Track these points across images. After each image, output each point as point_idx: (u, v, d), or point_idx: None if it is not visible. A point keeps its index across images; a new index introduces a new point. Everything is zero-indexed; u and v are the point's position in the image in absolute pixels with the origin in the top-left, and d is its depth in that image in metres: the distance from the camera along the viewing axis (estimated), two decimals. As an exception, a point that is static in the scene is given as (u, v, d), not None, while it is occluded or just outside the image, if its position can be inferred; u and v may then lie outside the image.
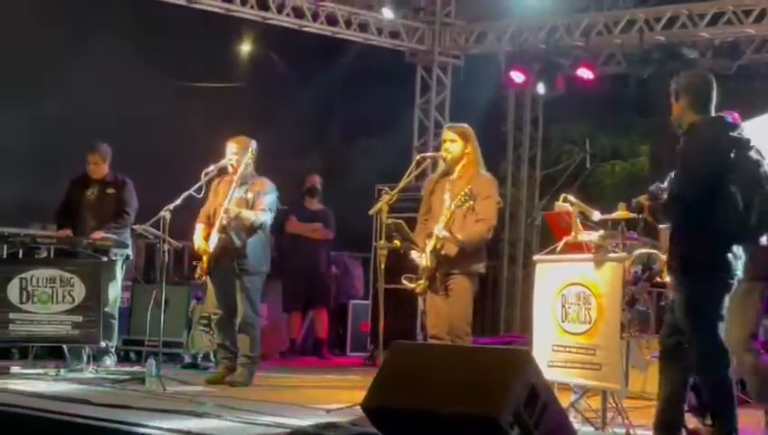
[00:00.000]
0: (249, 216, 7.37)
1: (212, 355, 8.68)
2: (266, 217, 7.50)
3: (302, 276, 10.43)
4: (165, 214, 7.31)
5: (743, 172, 4.87)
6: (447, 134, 6.60)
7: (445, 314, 6.45)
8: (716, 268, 4.94)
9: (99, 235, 8.22)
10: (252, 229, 7.42)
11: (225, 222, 7.32)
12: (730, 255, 4.93)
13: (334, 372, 9.39)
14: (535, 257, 6.61)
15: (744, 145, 4.95)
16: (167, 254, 7.63)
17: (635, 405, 6.22)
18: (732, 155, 4.91)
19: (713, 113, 5.11)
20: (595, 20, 11.30)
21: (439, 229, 6.31)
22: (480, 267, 6.51)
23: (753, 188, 4.86)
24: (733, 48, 10.48)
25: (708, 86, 5.13)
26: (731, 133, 4.97)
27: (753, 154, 4.95)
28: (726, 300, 5.00)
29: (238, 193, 7.45)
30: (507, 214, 12.59)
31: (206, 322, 8.71)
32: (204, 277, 7.54)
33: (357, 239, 10.71)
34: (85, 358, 8.00)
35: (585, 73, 11.09)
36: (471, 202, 6.27)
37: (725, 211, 4.86)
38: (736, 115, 5.23)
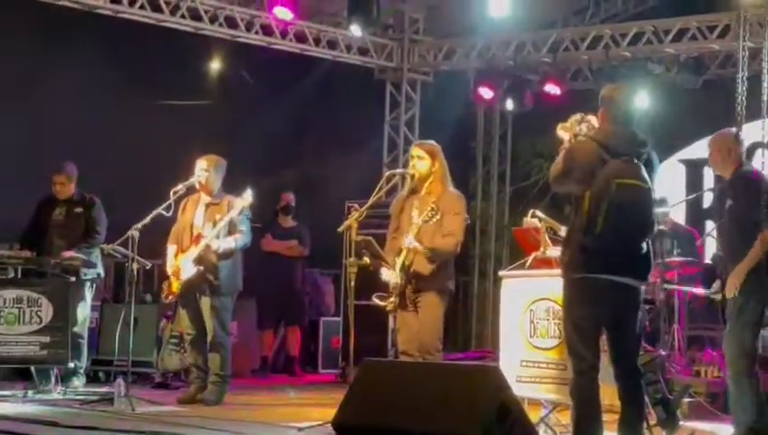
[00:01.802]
0: (229, 245, 7.39)
1: (182, 374, 8.63)
2: (246, 240, 7.53)
3: (278, 294, 10.41)
4: (134, 233, 7.28)
5: (595, 184, 4.94)
6: (415, 151, 6.62)
7: (415, 331, 6.46)
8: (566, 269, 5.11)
9: (68, 254, 8.18)
10: (231, 255, 7.42)
11: (203, 253, 7.31)
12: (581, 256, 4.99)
13: (306, 389, 9.37)
14: (501, 273, 6.64)
15: (617, 165, 4.98)
16: (136, 273, 7.59)
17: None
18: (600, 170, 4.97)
19: (630, 126, 5.16)
20: (562, 36, 11.40)
21: (409, 241, 6.32)
22: (449, 284, 6.53)
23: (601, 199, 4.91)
24: (697, 63, 10.61)
25: (625, 100, 5.22)
26: (604, 150, 5.02)
27: (630, 179, 4.97)
28: None
29: (208, 215, 7.43)
30: (477, 229, 12.64)
31: (176, 341, 8.67)
32: (171, 298, 7.51)
33: (328, 256, 10.69)
34: (53, 379, 7.93)
35: (553, 89, 11.18)
36: (438, 216, 6.29)
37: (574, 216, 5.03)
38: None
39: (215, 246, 7.32)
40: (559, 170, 5.14)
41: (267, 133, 11.42)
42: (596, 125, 5.33)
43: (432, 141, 6.74)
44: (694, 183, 11.16)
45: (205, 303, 7.42)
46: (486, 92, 11.49)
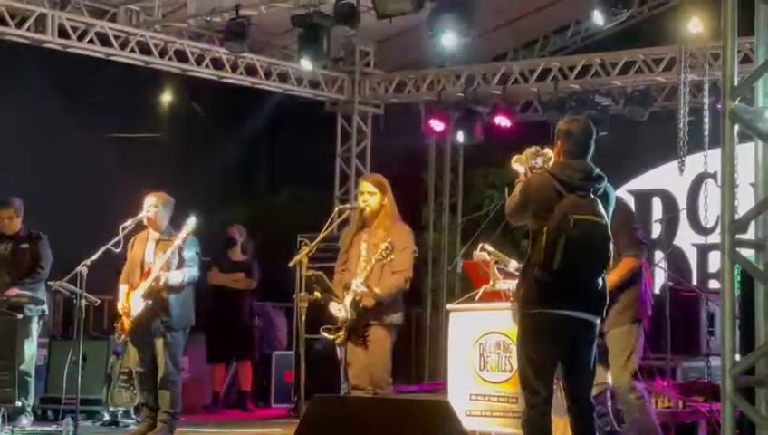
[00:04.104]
0: (178, 278, 7.32)
1: (132, 412, 8.52)
2: (194, 273, 7.46)
3: (227, 328, 10.31)
4: (82, 269, 7.20)
5: (553, 219, 4.97)
6: (365, 186, 6.60)
7: (365, 364, 6.44)
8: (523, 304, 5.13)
9: (13, 292, 8.07)
10: (181, 289, 7.36)
11: (152, 287, 7.24)
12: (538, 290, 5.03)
13: (258, 425, 9.29)
14: (448, 307, 6.66)
15: (574, 200, 5.02)
16: (84, 310, 7.48)
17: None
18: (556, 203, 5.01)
19: (587, 159, 5.19)
20: (511, 69, 11.52)
21: (357, 285, 6.31)
22: (397, 318, 6.51)
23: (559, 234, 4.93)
24: (644, 96, 10.77)
25: (582, 134, 5.22)
26: (560, 184, 5.05)
27: (587, 215, 4.99)
28: None
29: (158, 251, 7.37)
30: (430, 260, 12.66)
31: (125, 377, 8.56)
32: (124, 337, 7.43)
33: (280, 290, 10.65)
34: (0, 418, 7.79)
35: (503, 121, 11.28)
36: (392, 256, 6.30)
37: (531, 251, 5.06)
38: None
39: (163, 278, 7.25)
40: (515, 204, 5.16)
41: (218, 166, 11.40)
42: (552, 158, 5.34)
43: (379, 175, 6.75)
44: (643, 213, 11.28)
45: (157, 339, 7.34)
46: (437, 125, 11.57)
